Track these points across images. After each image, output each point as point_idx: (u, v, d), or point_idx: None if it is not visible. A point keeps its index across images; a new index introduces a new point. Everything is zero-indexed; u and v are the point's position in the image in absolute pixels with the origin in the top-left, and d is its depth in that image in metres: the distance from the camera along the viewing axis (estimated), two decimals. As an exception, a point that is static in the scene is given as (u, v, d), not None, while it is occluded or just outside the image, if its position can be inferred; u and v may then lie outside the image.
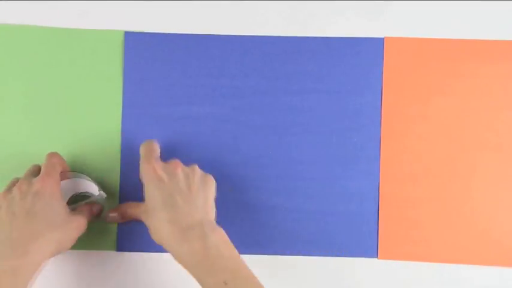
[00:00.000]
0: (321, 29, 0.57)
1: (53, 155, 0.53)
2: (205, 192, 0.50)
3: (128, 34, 0.57)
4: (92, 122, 0.56)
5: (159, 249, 0.55)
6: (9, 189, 0.51)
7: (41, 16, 0.57)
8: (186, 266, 0.46)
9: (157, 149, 0.53)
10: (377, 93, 0.57)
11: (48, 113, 0.56)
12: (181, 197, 0.48)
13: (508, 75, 0.56)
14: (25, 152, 0.56)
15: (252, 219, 0.56)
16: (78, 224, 0.50)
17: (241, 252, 0.48)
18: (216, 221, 0.54)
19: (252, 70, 0.57)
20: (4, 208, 0.49)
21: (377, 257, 0.55)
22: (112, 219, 0.54)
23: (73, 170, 0.56)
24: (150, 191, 0.49)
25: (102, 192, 0.54)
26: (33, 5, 0.57)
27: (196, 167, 0.52)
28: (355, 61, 0.57)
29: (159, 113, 0.57)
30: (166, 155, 0.56)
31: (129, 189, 0.56)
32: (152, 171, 0.49)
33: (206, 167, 0.56)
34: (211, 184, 0.51)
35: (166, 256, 0.56)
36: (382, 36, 0.57)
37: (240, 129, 0.57)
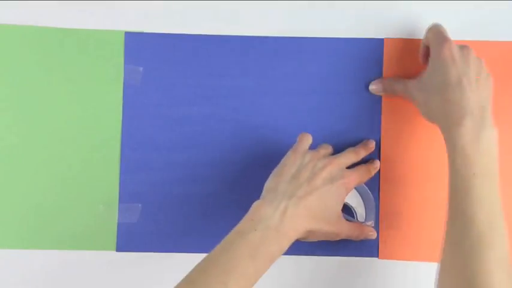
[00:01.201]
0: (321, 29, 0.57)
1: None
2: (488, 90, 0.50)
3: (128, 34, 0.57)
4: (92, 122, 0.56)
5: (159, 249, 0.56)
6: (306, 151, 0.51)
7: (41, 16, 0.57)
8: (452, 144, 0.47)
9: None
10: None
11: (48, 113, 0.56)
12: (468, 82, 0.48)
13: (508, 75, 0.56)
14: (25, 152, 0.56)
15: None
16: (342, 229, 0.50)
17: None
18: (216, 221, 0.54)
19: (252, 70, 0.57)
20: (299, 160, 0.50)
21: (378, 256, 0.55)
22: (374, 91, 0.55)
23: (73, 168, 0.56)
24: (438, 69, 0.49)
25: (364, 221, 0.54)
26: (33, 5, 0.57)
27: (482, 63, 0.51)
28: (355, 61, 0.57)
29: (159, 113, 0.57)
30: (166, 155, 0.56)
31: (130, 189, 0.56)
32: (448, 50, 0.49)
33: (206, 167, 0.56)
34: (491, 86, 0.51)
35: (166, 256, 0.56)
36: (382, 37, 0.57)
37: (240, 129, 0.57)
